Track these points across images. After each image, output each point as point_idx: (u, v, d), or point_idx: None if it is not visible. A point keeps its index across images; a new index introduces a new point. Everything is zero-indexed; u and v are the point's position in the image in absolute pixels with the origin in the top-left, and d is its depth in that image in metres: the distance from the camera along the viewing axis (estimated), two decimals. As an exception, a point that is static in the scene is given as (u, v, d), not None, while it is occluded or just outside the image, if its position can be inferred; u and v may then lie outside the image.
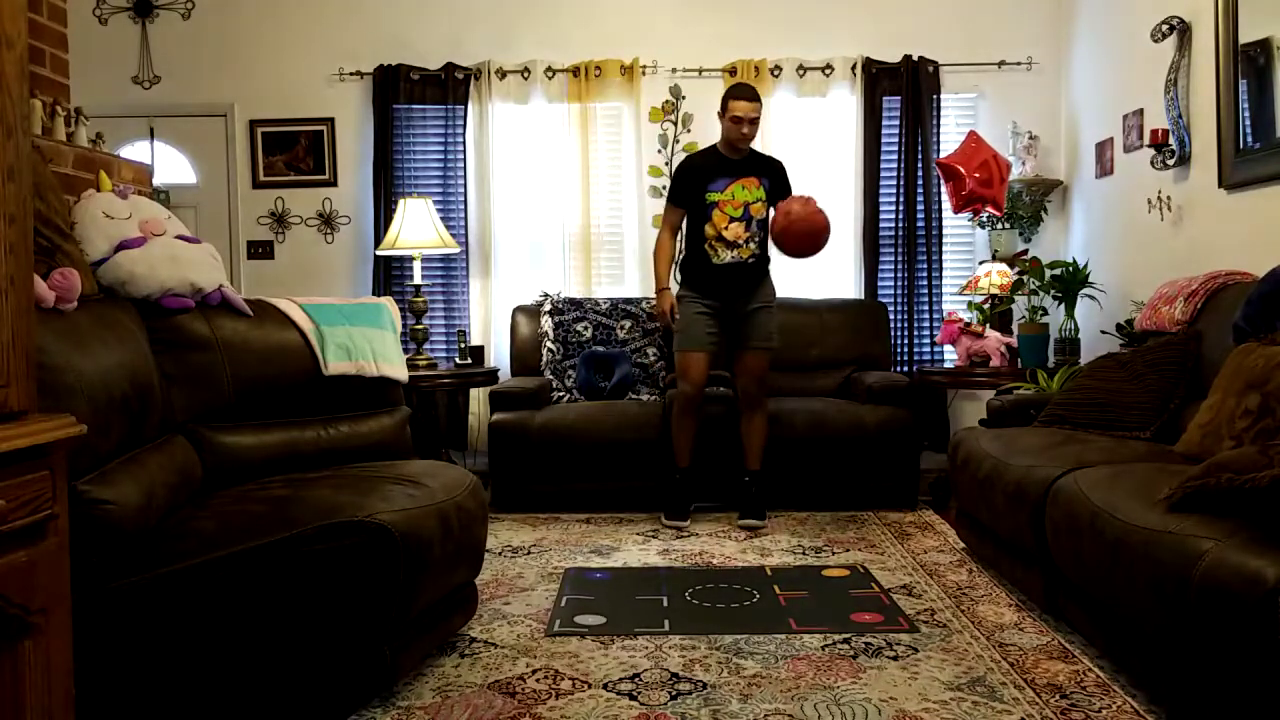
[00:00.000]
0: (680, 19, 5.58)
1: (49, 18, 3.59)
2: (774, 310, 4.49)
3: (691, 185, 4.43)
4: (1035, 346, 4.81)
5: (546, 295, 5.32)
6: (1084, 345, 4.80)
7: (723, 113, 4.41)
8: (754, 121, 4.37)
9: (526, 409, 4.76)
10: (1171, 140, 4.30)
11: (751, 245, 4.40)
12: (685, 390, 4.42)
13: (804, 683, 2.61)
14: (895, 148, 5.48)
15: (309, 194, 5.71)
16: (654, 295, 4.64)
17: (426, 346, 5.19)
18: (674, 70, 5.57)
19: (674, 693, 2.56)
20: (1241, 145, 3.82)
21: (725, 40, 5.52)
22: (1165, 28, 4.26)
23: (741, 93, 4.41)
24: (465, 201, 5.55)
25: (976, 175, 4.98)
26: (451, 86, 5.50)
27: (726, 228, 4.35)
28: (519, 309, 5.38)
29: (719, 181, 4.38)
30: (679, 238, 4.61)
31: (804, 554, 3.90)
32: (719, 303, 4.41)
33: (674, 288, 4.56)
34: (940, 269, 5.50)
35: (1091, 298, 4.80)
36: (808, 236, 4.22)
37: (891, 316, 5.44)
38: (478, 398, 5.50)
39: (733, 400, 4.57)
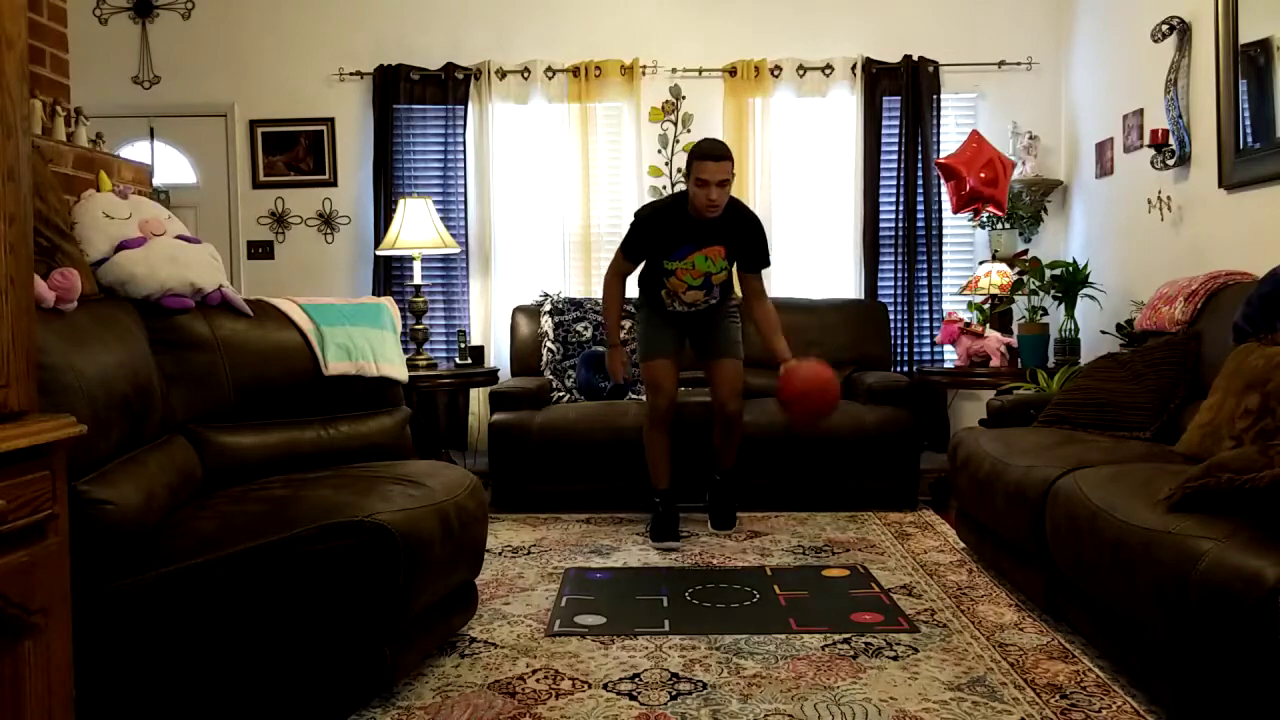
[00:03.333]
0: (680, 19, 5.58)
1: (49, 18, 3.59)
2: (738, 320, 4.26)
3: (649, 248, 4.04)
4: (1035, 346, 4.81)
5: (546, 295, 5.32)
6: (1084, 345, 4.81)
7: (688, 175, 3.86)
8: (723, 184, 3.80)
9: (526, 409, 4.76)
10: (1171, 140, 4.30)
11: (710, 300, 4.14)
12: (658, 404, 4.13)
13: (804, 683, 2.61)
14: (895, 148, 5.48)
15: (309, 194, 5.71)
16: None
17: (426, 346, 5.19)
18: (674, 70, 5.57)
19: (674, 693, 2.56)
20: (1241, 145, 3.82)
21: (725, 40, 5.53)
22: (1165, 28, 4.26)
23: (708, 150, 3.80)
24: (465, 201, 5.55)
25: (981, 175, 4.98)
26: (451, 86, 5.50)
27: (685, 292, 4.08)
28: (519, 309, 5.38)
29: (680, 250, 3.98)
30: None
31: (804, 554, 3.90)
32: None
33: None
34: (940, 269, 5.50)
35: (1091, 298, 4.80)
36: (817, 413, 3.89)
37: (891, 316, 5.44)
38: (478, 398, 5.50)
39: (707, 400, 4.36)
